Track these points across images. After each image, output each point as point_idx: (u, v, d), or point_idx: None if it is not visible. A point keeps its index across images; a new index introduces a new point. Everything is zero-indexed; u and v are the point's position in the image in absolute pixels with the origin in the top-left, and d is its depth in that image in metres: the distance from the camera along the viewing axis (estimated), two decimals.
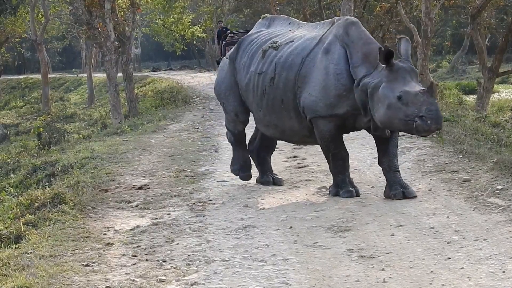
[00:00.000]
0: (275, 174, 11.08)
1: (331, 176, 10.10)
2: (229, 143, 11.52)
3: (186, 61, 65.90)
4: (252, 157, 11.22)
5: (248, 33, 11.25)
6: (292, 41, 10.16)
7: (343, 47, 9.57)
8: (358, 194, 9.70)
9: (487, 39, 38.50)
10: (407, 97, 8.76)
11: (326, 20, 10.55)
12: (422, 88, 8.87)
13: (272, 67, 10.10)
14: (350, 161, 9.92)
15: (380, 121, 9.07)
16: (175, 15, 54.13)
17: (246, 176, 11.09)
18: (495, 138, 13.04)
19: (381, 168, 9.70)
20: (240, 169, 11.08)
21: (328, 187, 10.10)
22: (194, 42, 58.62)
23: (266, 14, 12.01)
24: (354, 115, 9.53)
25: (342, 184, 9.72)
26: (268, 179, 10.92)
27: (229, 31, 29.98)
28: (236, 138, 11.17)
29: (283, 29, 10.73)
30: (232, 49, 11.08)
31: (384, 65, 9.04)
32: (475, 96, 25.26)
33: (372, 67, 9.27)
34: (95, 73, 50.40)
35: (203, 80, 37.12)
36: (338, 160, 9.75)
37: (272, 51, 10.24)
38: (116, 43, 26.04)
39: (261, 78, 10.22)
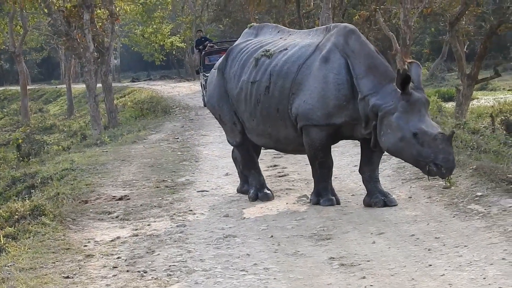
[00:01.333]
0: None
1: (311, 185, 10.11)
2: (241, 170, 10.93)
3: (166, 71, 65.71)
4: (235, 165, 11.18)
5: (236, 42, 11.07)
6: (286, 49, 10.03)
7: (343, 57, 9.45)
8: (338, 203, 9.71)
9: (465, 46, 38.66)
10: (424, 137, 8.69)
11: (319, 27, 10.45)
12: (441, 132, 8.77)
13: (267, 75, 9.95)
14: None
15: (388, 147, 9.02)
16: (154, 25, 54.16)
17: (265, 195, 10.40)
18: (474, 144, 13.07)
19: (361, 176, 9.73)
20: (257, 191, 10.45)
21: (308, 196, 10.10)
22: (174, 52, 58.63)
23: (252, 23, 11.92)
24: (352, 124, 9.47)
25: (323, 192, 9.72)
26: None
27: (208, 41, 29.97)
28: (246, 160, 10.73)
29: (273, 37, 10.61)
30: (220, 59, 10.95)
31: (399, 90, 8.88)
32: (454, 103, 25.33)
33: (379, 83, 9.14)
34: (74, 84, 50.19)
35: (182, 90, 37.12)
36: (324, 169, 9.73)
37: (266, 59, 10.08)
38: (95, 53, 25.95)
39: (254, 87, 10.06)
